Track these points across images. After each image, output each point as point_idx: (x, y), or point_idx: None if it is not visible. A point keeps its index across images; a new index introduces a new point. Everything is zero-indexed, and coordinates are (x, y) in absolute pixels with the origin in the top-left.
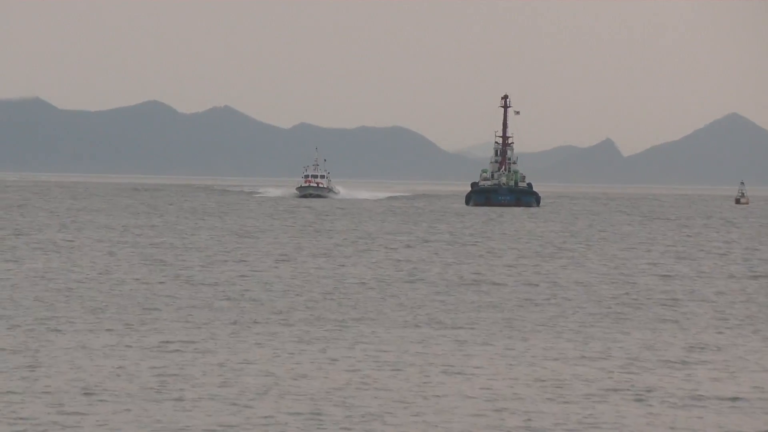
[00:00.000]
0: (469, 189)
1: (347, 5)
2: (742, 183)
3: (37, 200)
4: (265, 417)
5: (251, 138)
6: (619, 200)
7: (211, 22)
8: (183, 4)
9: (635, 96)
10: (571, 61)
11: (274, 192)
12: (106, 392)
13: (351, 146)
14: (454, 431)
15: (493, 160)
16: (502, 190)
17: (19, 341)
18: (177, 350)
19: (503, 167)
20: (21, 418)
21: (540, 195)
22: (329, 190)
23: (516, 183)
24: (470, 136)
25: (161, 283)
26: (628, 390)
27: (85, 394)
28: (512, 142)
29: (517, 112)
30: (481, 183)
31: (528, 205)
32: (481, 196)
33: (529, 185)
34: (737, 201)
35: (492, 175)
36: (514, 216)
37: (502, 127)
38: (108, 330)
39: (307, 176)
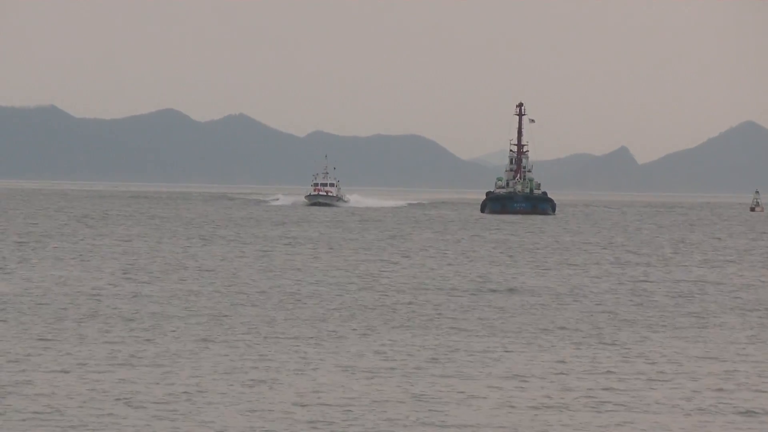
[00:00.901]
0: (484, 197)
1: (363, 14)
2: (757, 192)
3: (84, 208)
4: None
5: (266, 146)
6: (647, 208)
7: (226, 30)
8: (198, 12)
9: (650, 104)
10: (586, 69)
11: (283, 200)
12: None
13: (366, 154)
14: None
15: (508, 168)
16: (517, 197)
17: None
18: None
19: (518, 175)
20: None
21: (555, 202)
22: (339, 198)
23: (531, 191)
24: (485, 144)
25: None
26: None
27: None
28: (527, 150)
29: (532, 120)
30: (497, 191)
31: (544, 212)
32: (496, 203)
33: (544, 193)
34: (752, 209)
35: (507, 183)
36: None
37: (517, 136)
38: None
39: (316, 184)
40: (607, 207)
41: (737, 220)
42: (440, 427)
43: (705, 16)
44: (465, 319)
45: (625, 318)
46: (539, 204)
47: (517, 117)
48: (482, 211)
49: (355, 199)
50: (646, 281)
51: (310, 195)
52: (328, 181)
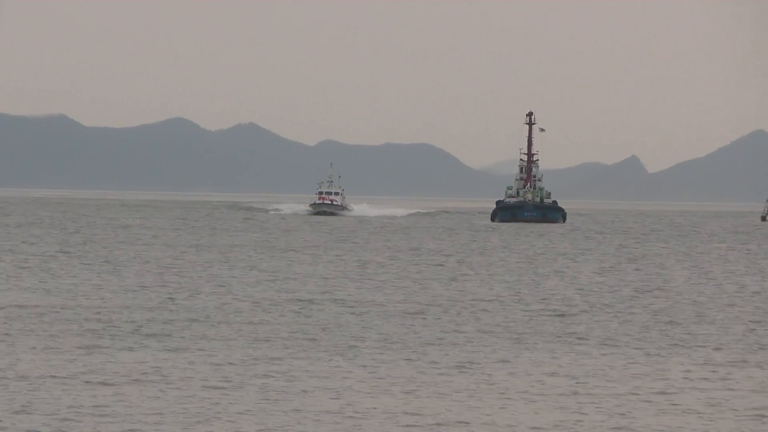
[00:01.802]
0: (494, 206)
1: (372, 23)
2: None
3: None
4: None
5: (276, 155)
6: (663, 217)
7: (235, 39)
8: (207, 21)
9: (661, 113)
10: (596, 78)
11: (287, 208)
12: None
13: (376, 163)
14: None
15: (518, 177)
16: (527, 206)
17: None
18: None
19: (528, 184)
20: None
21: (566, 211)
22: (343, 207)
23: (541, 200)
24: (496, 153)
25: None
26: None
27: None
28: (537, 159)
29: (542, 129)
30: (507, 200)
31: (554, 221)
32: (506, 212)
33: (554, 202)
34: (763, 218)
35: (517, 192)
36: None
37: (527, 144)
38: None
39: (321, 193)
40: (618, 216)
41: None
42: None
43: (716, 26)
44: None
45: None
46: (549, 213)
47: (527, 126)
48: (492, 220)
49: (362, 209)
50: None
51: (314, 203)
52: (333, 190)
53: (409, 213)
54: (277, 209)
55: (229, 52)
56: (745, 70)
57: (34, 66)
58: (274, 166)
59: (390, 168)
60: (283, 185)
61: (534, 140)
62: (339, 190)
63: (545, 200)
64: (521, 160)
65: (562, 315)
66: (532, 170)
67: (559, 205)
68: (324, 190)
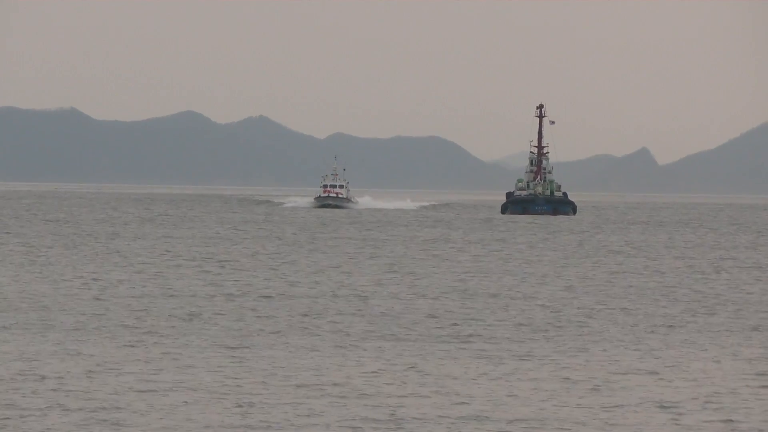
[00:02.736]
0: (504, 199)
1: (382, 16)
2: None
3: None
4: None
5: (286, 148)
6: (681, 209)
7: (245, 32)
8: (217, 15)
9: (671, 105)
10: (607, 70)
11: (292, 202)
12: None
13: (386, 156)
14: None
15: (528, 170)
16: (539, 200)
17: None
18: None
19: (539, 177)
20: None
21: (576, 204)
22: (348, 200)
23: (552, 192)
24: (506, 146)
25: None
26: None
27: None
28: (548, 152)
29: (553, 122)
30: (517, 193)
31: (565, 214)
32: (517, 206)
33: (565, 194)
34: None
35: (528, 185)
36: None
37: (537, 137)
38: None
39: (325, 186)
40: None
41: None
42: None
43: (726, 18)
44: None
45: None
46: (560, 207)
47: (538, 119)
48: (503, 212)
49: (365, 201)
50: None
51: (319, 197)
52: (338, 183)
53: (421, 206)
54: (294, 203)
55: (239, 45)
56: (756, 63)
57: (44, 59)
58: (284, 159)
59: (400, 161)
60: (293, 178)
61: (544, 133)
62: (344, 183)
63: (555, 193)
64: (531, 152)
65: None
66: (542, 163)
67: (569, 198)
68: (328, 183)
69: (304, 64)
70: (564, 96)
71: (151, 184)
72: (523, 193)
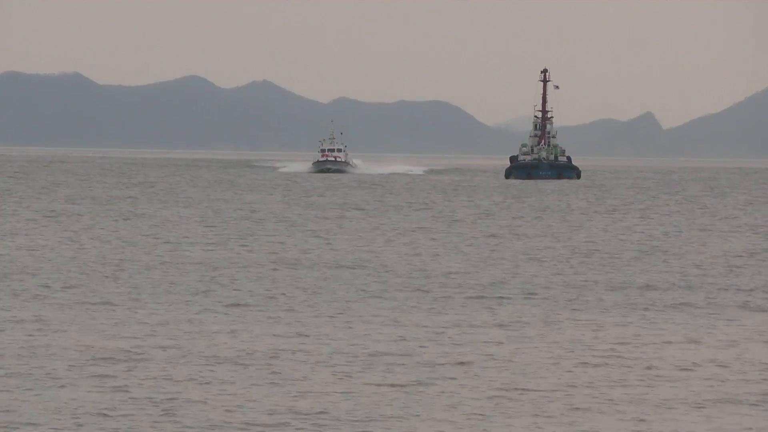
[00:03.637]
0: (508, 163)
1: None
2: None
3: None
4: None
5: (291, 112)
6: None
7: None
8: None
9: (675, 69)
10: (611, 34)
11: (290, 167)
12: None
13: (390, 120)
14: None
15: (532, 134)
16: (543, 165)
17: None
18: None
19: (543, 141)
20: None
21: (580, 169)
22: (347, 164)
23: (556, 157)
24: (510, 111)
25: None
26: None
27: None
28: (552, 116)
29: (557, 86)
30: (521, 157)
31: (569, 179)
32: (522, 171)
33: (568, 159)
34: None
35: (532, 150)
36: None
37: (541, 102)
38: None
39: (323, 150)
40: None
41: None
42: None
43: None
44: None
45: None
46: (565, 172)
47: (542, 83)
48: (507, 177)
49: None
50: None
51: (317, 161)
52: (336, 146)
53: (425, 170)
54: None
55: (243, 9)
56: (760, 25)
57: (48, 24)
58: (289, 123)
59: (404, 125)
60: (297, 143)
61: (548, 97)
62: (342, 147)
63: (559, 158)
64: (535, 117)
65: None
66: (546, 127)
67: (573, 162)
68: (326, 147)
69: (308, 29)
70: (568, 61)
71: (155, 149)
72: (528, 157)
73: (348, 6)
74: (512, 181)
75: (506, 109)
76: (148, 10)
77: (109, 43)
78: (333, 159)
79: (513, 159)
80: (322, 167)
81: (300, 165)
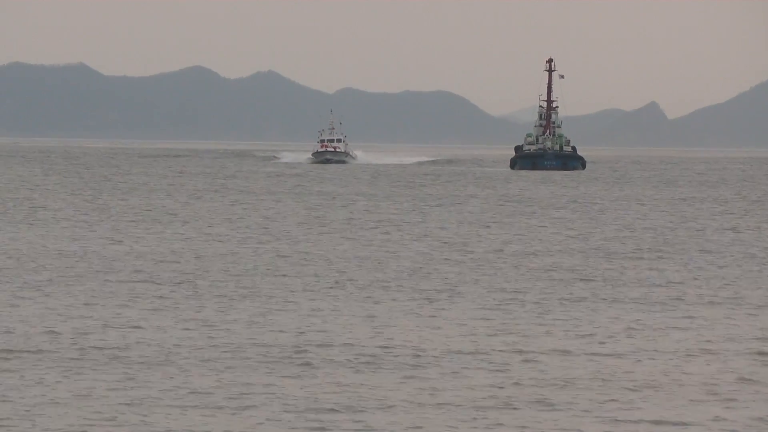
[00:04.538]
0: (513, 153)
1: None
2: None
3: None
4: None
5: (296, 103)
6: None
7: None
8: None
9: (680, 58)
10: (616, 23)
11: (288, 157)
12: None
13: (395, 111)
14: None
15: (537, 124)
16: (548, 155)
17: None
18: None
19: (548, 131)
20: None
21: (585, 159)
22: (347, 154)
23: (561, 147)
24: (515, 100)
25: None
26: None
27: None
28: (557, 106)
29: (562, 76)
30: (526, 147)
31: (574, 169)
32: (526, 161)
33: (573, 149)
34: None
35: (537, 139)
36: None
37: (546, 91)
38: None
39: (323, 140)
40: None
41: None
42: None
43: None
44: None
45: None
46: (569, 162)
47: (547, 73)
48: (512, 167)
49: (358, 155)
50: None
51: (317, 152)
52: (335, 137)
53: (417, 162)
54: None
55: None
56: (766, 15)
57: (53, 15)
58: (294, 114)
59: (409, 116)
60: (301, 133)
61: (553, 87)
62: (342, 137)
63: (564, 148)
64: (541, 106)
65: None
66: (551, 117)
67: (578, 152)
68: (326, 138)
69: (313, 19)
70: (573, 50)
71: (161, 139)
72: (533, 147)
73: None
74: (493, 170)
75: (511, 99)
76: (153, 1)
77: (113, 33)
78: (332, 150)
79: (518, 149)
80: (321, 158)
81: (298, 155)
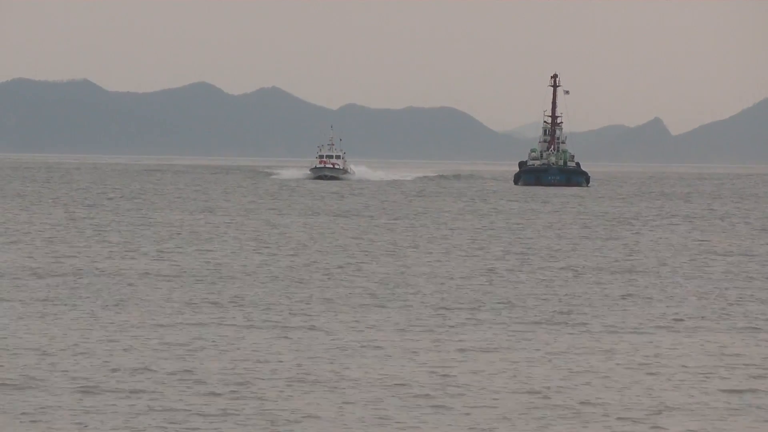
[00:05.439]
0: (517, 169)
1: None
2: None
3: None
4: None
5: (299, 119)
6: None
7: (258, 3)
8: None
9: (684, 75)
10: (620, 40)
11: (286, 173)
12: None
13: (398, 127)
14: None
15: (541, 140)
16: (552, 170)
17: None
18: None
19: (552, 147)
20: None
21: (589, 175)
22: (345, 171)
23: (565, 162)
24: (519, 116)
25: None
26: None
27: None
28: (561, 122)
29: (567, 92)
30: (530, 162)
31: (578, 185)
32: (530, 176)
33: (577, 164)
34: None
35: (541, 155)
36: None
37: (551, 107)
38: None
39: (321, 156)
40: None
41: None
42: None
43: None
44: None
45: None
46: (573, 177)
47: (552, 88)
48: (516, 183)
49: (362, 171)
50: None
51: (315, 168)
52: (334, 153)
53: (416, 177)
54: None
55: (251, 15)
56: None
57: (56, 31)
58: (297, 130)
59: (413, 132)
60: (304, 149)
61: (558, 103)
62: (340, 153)
63: (569, 163)
64: (545, 122)
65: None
66: (555, 133)
67: (582, 168)
68: (324, 154)
69: (316, 35)
70: (578, 66)
71: (163, 155)
72: (537, 162)
73: (356, 12)
74: (490, 186)
75: (515, 115)
76: (157, 17)
77: (117, 49)
78: (330, 166)
79: (522, 165)
80: (319, 174)
81: (296, 171)
